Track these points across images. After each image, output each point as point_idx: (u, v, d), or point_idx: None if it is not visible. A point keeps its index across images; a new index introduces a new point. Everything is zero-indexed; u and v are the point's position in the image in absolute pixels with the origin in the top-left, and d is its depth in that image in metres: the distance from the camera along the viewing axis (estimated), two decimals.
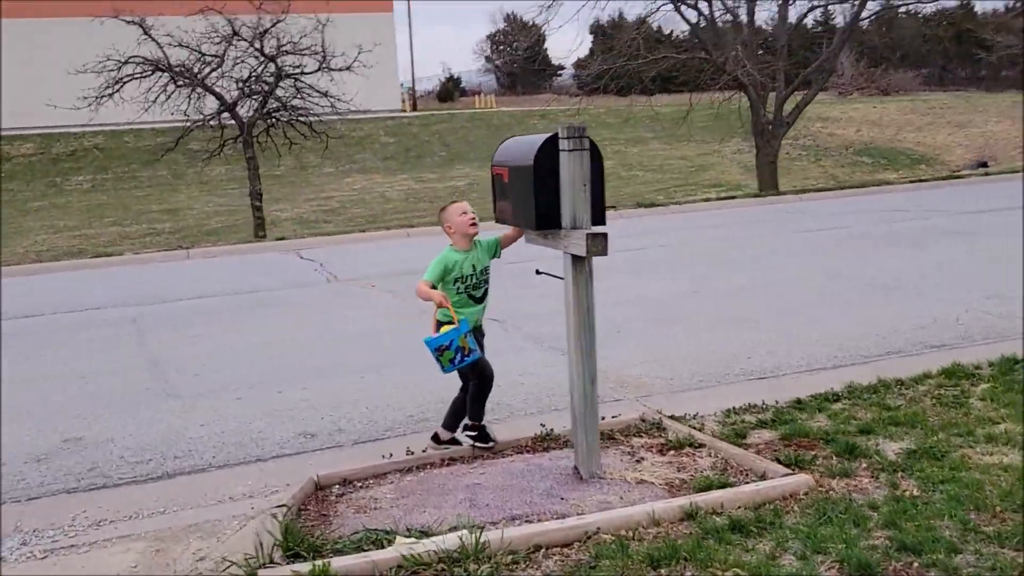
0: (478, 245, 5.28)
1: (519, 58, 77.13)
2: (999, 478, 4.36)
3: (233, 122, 19.43)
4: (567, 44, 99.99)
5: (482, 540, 3.87)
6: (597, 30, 56.69)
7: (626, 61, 22.14)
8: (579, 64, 63.84)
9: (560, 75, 76.78)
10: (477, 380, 5.25)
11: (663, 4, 20.38)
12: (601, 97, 34.83)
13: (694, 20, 20.99)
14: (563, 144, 4.42)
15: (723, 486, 4.38)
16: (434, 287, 5.13)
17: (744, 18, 21.67)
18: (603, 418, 5.70)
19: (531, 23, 73.90)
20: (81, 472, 5.59)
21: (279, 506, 4.54)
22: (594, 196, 4.48)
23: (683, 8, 20.65)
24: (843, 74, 46.57)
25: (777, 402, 5.79)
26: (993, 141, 42.31)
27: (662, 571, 3.65)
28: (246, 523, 4.69)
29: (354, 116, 20.31)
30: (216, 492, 5.20)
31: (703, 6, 20.87)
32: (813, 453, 4.80)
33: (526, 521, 4.23)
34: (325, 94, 19.20)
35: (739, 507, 4.16)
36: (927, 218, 14.24)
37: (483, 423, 5.28)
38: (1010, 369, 6.09)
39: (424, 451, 5.34)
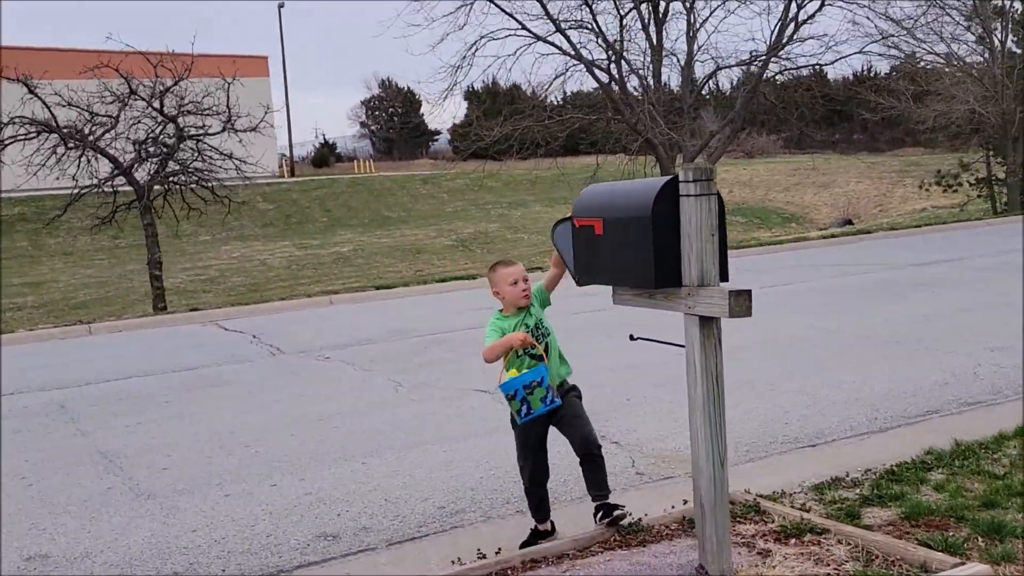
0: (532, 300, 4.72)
1: (395, 124, 76.83)
2: None
3: (128, 187, 18.13)
4: (445, 108, 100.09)
5: None
6: (471, 96, 56.84)
7: (534, 122, 21.90)
8: (454, 129, 63.99)
9: (436, 140, 76.78)
10: (526, 477, 4.78)
11: (576, 66, 20.24)
12: (476, 162, 34.79)
13: (605, 81, 20.90)
14: (687, 188, 3.80)
15: None
16: None
17: (651, 80, 21.76)
18: (684, 502, 5.07)
19: (406, 89, 73.37)
20: None
21: None
22: (722, 247, 3.87)
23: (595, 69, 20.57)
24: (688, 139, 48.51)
25: (866, 474, 5.26)
26: (855, 200, 44.25)
27: None
28: None
29: (232, 182, 19.17)
30: None
31: (613, 68, 20.85)
32: (951, 534, 4.25)
33: None
34: (230, 156, 18.17)
35: None
36: (873, 271, 14.22)
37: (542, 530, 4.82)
38: None
39: (497, 552, 4.56)
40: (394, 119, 78.41)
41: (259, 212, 41.16)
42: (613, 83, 21.02)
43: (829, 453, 5.93)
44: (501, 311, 4.72)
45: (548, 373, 4.45)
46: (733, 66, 21.15)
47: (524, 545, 4.73)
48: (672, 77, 23.09)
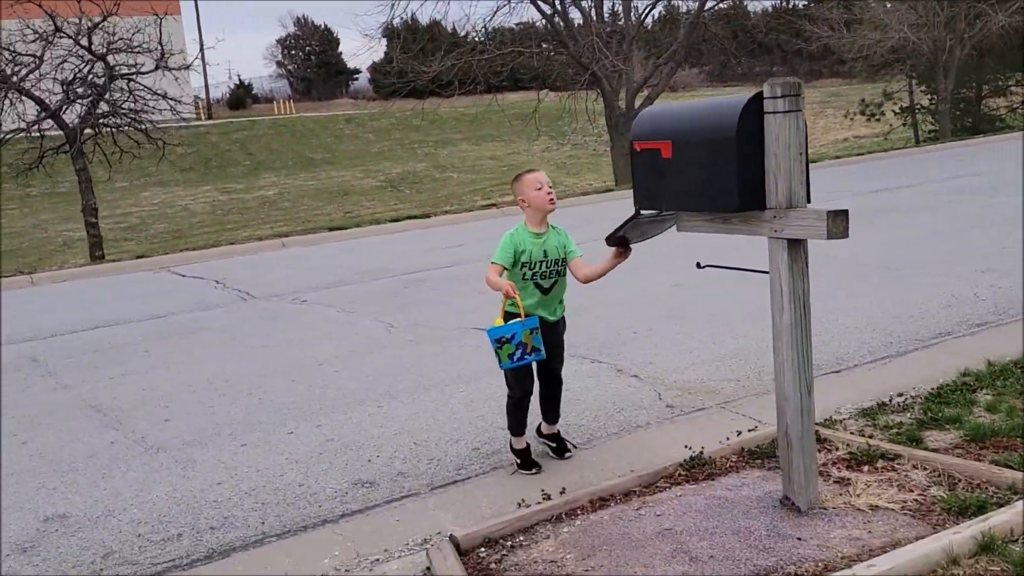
0: (556, 234, 4.67)
1: (313, 63, 74.96)
2: None
3: (56, 131, 17.20)
4: (382, 43, 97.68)
5: None
6: (390, 33, 55.59)
7: (474, 57, 21.42)
8: (374, 67, 62.60)
9: (356, 79, 75.13)
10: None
11: None
12: (400, 100, 34.02)
13: (549, 12, 20.49)
14: (774, 104, 3.60)
15: (981, 505, 3.70)
16: (505, 270, 4.55)
17: (593, 12, 21.41)
18: (738, 433, 4.98)
19: (323, 26, 71.06)
20: (94, 561, 4.28)
21: None
22: (806, 168, 3.69)
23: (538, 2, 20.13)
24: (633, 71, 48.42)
25: (904, 398, 5.23)
26: None
27: None
28: None
29: (166, 123, 18.32)
30: (296, 571, 4.05)
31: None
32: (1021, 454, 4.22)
33: (788, 575, 3.39)
34: (164, 95, 17.35)
35: None
36: (830, 200, 14.27)
37: (523, 447, 4.86)
38: None
39: (562, 492, 4.40)
40: (311, 58, 76.51)
41: (177, 156, 39.82)
42: (556, 15, 20.62)
43: (855, 378, 5.88)
44: (524, 223, 4.65)
45: (523, 330, 4.37)
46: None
47: (522, 466, 4.81)
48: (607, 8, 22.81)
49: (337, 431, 5.67)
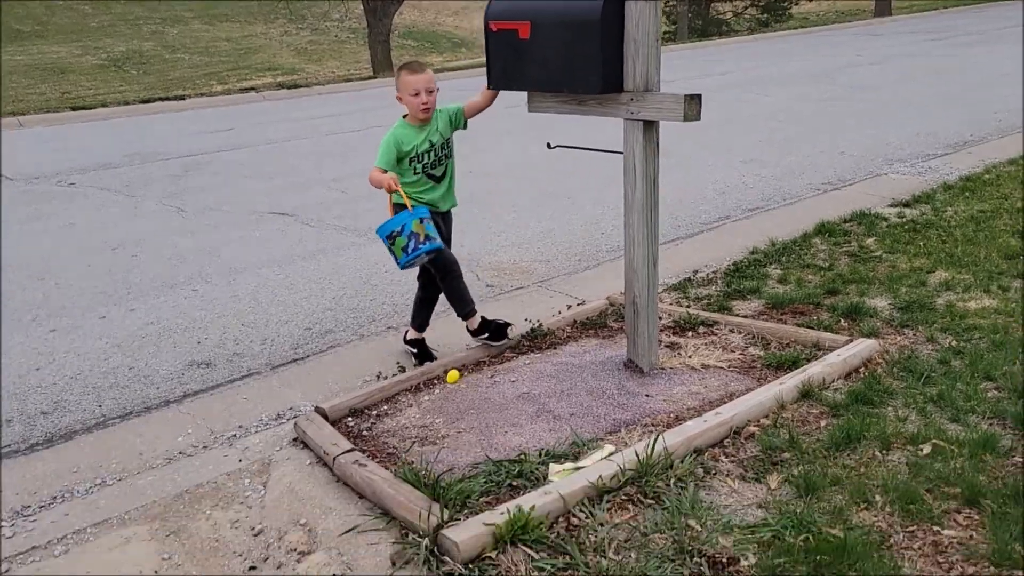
0: (437, 115, 4.49)
1: None
2: (1007, 320, 4.59)
3: None
4: None
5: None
6: None
7: None
8: None
9: None
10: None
11: None
12: None
13: None
14: None
15: (794, 361, 4.22)
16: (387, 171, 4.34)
17: None
18: (569, 306, 5.30)
19: None
20: None
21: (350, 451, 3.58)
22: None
23: None
24: None
25: (696, 272, 5.76)
26: None
27: (849, 455, 3.43)
28: (264, 478, 3.66)
29: None
30: (153, 450, 3.98)
31: None
32: (817, 317, 4.80)
33: (646, 426, 3.75)
34: None
35: (836, 379, 4.04)
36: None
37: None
38: (870, 222, 6.55)
39: (415, 364, 4.55)
40: None
41: None
42: None
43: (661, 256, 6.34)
44: (405, 117, 4.45)
45: (412, 220, 4.21)
46: None
47: (418, 356, 4.71)
48: None
49: (154, 315, 5.49)
